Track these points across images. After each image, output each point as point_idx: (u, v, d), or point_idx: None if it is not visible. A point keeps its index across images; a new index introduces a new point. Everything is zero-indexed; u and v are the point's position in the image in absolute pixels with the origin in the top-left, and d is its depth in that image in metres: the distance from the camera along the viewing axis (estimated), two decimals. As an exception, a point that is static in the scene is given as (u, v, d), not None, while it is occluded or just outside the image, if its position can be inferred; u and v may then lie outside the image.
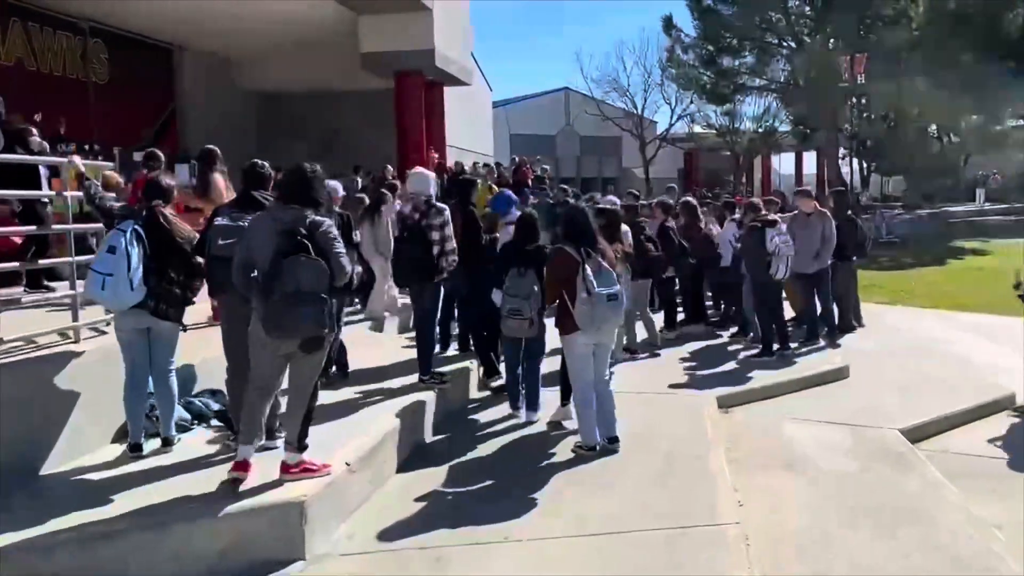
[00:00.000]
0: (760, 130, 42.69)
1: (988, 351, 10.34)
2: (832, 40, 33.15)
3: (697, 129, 47.93)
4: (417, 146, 18.08)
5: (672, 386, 7.90)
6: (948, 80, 33.22)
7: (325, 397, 5.54)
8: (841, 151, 40.19)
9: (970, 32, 31.98)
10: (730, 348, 9.71)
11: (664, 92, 45.73)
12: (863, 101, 39.95)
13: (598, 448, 5.89)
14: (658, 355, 9.19)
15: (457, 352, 7.93)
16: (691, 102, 43.37)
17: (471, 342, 7.68)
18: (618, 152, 48.82)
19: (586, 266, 5.71)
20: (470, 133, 26.75)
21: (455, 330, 8.12)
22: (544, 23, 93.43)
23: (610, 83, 46.11)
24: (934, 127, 41.24)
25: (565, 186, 16.76)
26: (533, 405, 6.57)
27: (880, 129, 42.32)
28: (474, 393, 7.39)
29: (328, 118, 20.58)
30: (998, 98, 35.21)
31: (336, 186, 7.04)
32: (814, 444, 6.51)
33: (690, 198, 12.34)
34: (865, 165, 47.09)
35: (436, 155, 18.29)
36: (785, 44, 34.81)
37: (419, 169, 6.62)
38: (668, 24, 36.01)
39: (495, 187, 17.22)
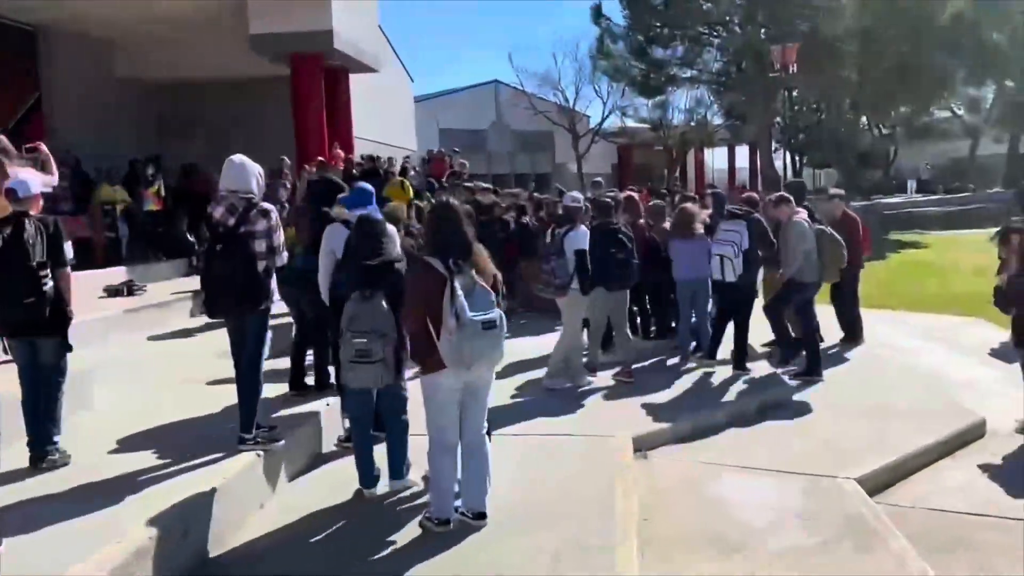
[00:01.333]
0: (692, 123, 41.64)
1: (949, 362, 9.18)
2: (763, 29, 32.25)
3: (630, 123, 46.90)
4: (318, 138, 16.32)
5: (590, 423, 6.43)
6: (879, 71, 32.78)
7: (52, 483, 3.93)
8: (774, 144, 39.51)
9: (902, 22, 31.49)
10: (683, 368, 8.29)
11: (596, 85, 44.49)
12: (795, 93, 39.40)
13: (452, 524, 4.42)
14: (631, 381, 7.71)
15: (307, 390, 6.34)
16: (623, 95, 42.15)
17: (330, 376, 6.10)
18: (551, 147, 47.51)
19: (455, 284, 4.22)
20: (388, 126, 25.02)
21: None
22: (473, 13, 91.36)
23: (541, 76, 44.62)
24: (865, 119, 40.93)
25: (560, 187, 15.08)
26: (397, 473, 5.01)
27: (812, 121, 41.91)
28: (329, 446, 5.78)
29: (224, 110, 18.60)
30: (929, 89, 34.93)
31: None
32: (757, 507, 5.09)
33: (633, 192, 10.91)
34: (797, 158, 46.66)
35: (340, 151, 16.54)
36: (716, 34, 33.88)
37: (238, 159, 4.98)
38: (597, 13, 34.68)
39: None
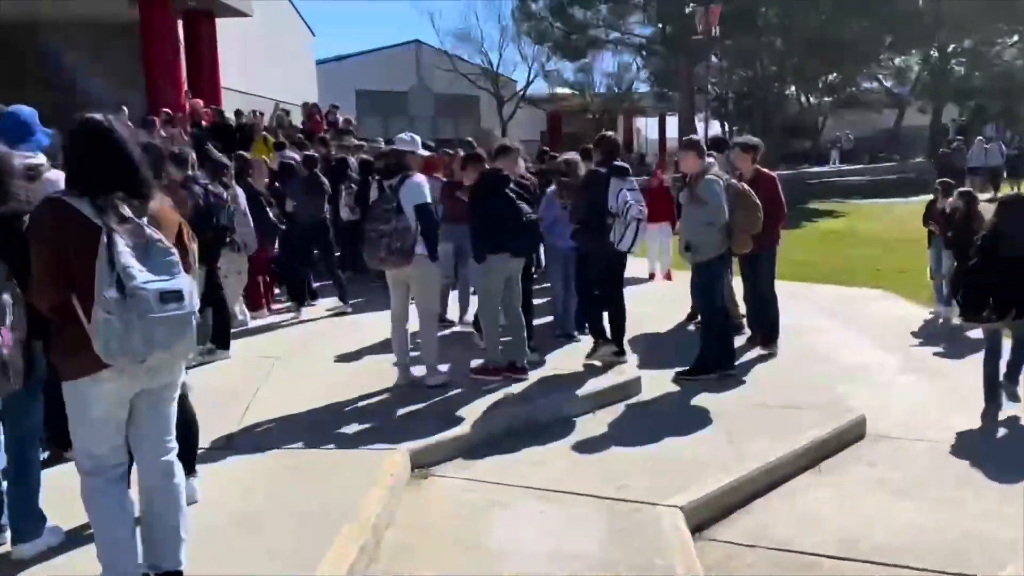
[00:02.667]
0: (617, 89, 40.31)
1: (846, 343, 8.03)
2: (687, -11, 31.10)
3: (558, 90, 45.42)
4: (172, 89, 14.54)
5: (385, 433, 5.04)
6: (803, 38, 31.89)
7: None
8: (702, 113, 38.54)
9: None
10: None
11: (520, 47, 42.81)
12: (720, 60, 38.35)
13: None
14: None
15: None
16: (548, 58, 40.58)
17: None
18: (476, 113, 45.80)
19: (115, 237, 2.85)
20: (281, 81, 23.10)
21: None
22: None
23: (461, 36, 42.74)
24: (793, 89, 40.18)
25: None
26: (28, 533, 3.54)
27: (740, 90, 40.99)
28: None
29: (63, 56, 16.53)
30: (854, 59, 34.22)
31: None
32: (546, 554, 3.76)
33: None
34: (726, 127, 45.81)
35: (199, 101, 14.77)
36: (639, -7, 32.63)
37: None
38: (518, -32, 33.09)
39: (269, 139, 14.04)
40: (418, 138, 6.16)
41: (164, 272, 2.91)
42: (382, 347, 6.75)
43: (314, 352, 7.19)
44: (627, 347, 6.79)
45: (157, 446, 3.18)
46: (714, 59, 37.49)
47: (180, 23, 15.94)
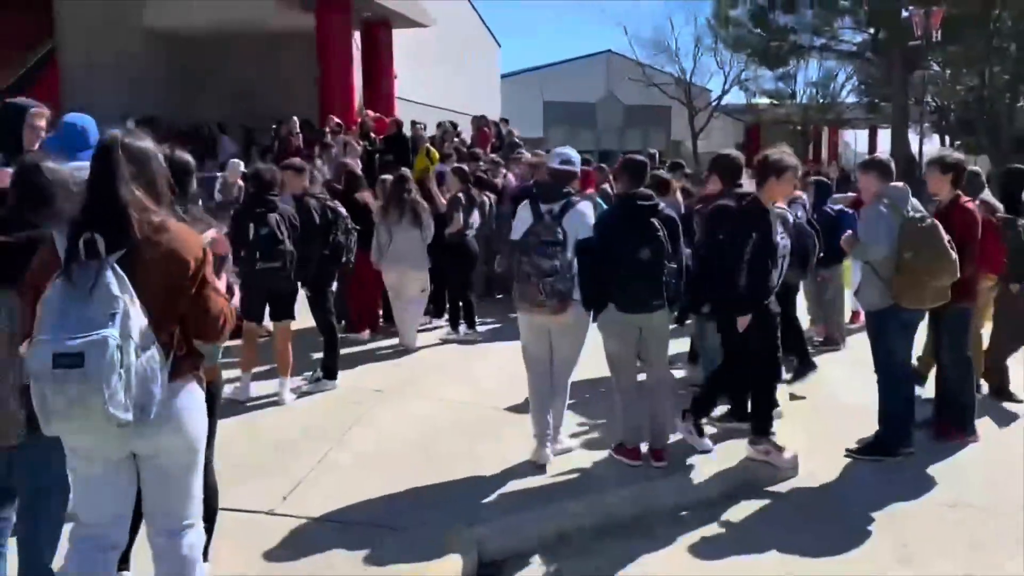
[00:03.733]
0: (821, 99, 37.55)
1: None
2: (903, -11, 28.33)
3: (757, 100, 43.10)
4: (344, 98, 14.58)
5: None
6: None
7: None
8: (918, 126, 35.11)
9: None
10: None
11: (717, 56, 40.97)
12: (943, 67, 34.73)
13: None
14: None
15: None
16: (744, 67, 38.55)
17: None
18: (666, 123, 44.34)
19: (57, 281, 2.47)
20: (461, 91, 23.06)
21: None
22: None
23: (656, 46, 41.48)
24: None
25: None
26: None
27: (963, 100, 36.99)
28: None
29: (246, 65, 17.10)
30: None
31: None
32: None
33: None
34: (946, 141, 41.60)
35: (370, 112, 14.73)
36: (848, -5, 30.12)
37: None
38: (715, -26, 31.56)
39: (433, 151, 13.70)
40: (574, 154, 4.92)
41: (83, 328, 2.37)
42: (507, 389, 5.98)
43: (426, 387, 6.50)
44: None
45: (156, 521, 2.74)
46: (935, 66, 34.11)
47: (357, 33, 16.04)
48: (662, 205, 4.81)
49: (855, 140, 51.44)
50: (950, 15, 26.80)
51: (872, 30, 30.95)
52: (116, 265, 2.44)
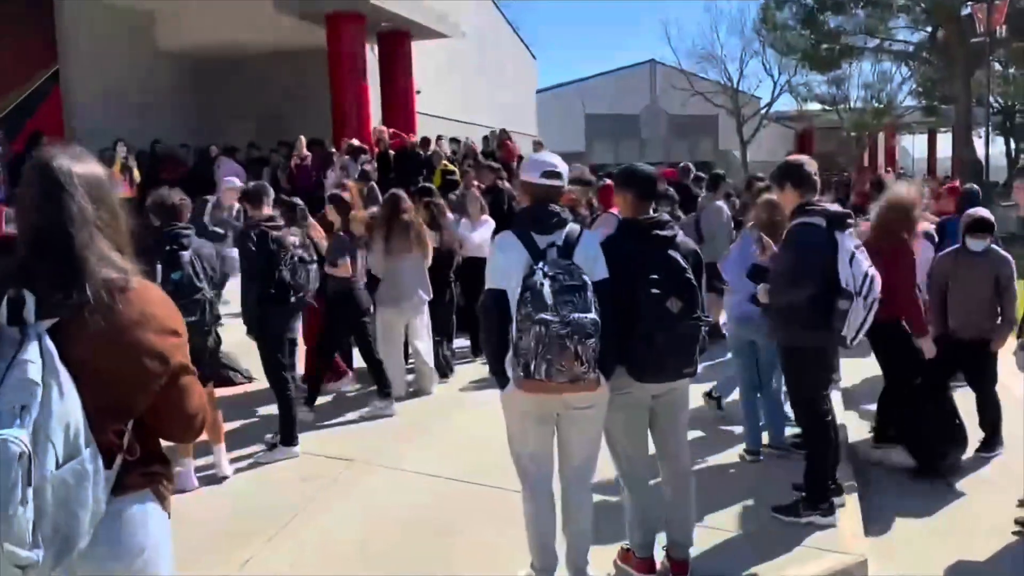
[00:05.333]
0: (875, 103, 35.70)
1: None
2: (963, -15, 26.65)
3: (809, 106, 41.34)
4: (358, 115, 13.64)
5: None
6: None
7: None
8: (981, 128, 33.13)
9: None
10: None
11: (765, 61, 39.40)
12: (1006, 66, 32.74)
13: None
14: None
15: None
16: (794, 72, 36.90)
17: None
18: (714, 132, 42.84)
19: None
20: (494, 106, 22.01)
21: None
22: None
23: (702, 54, 40.07)
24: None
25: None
26: None
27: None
28: None
29: (267, 86, 16.33)
30: None
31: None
32: None
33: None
34: (1011, 145, 39.41)
35: (385, 128, 13.78)
36: (903, -6, 28.43)
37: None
38: (761, -23, 30.15)
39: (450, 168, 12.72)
40: (561, 163, 3.50)
41: None
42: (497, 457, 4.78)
43: (405, 455, 5.38)
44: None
45: None
46: (997, 65, 32.13)
47: (375, 47, 15.15)
48: (680, 235, 3.61)
49: (913, 145, 49.23)
50: (1015, 9, 25.04)
51: (930, 28, 29.19)
52: (47, 336, 1.74)
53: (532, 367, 3.11)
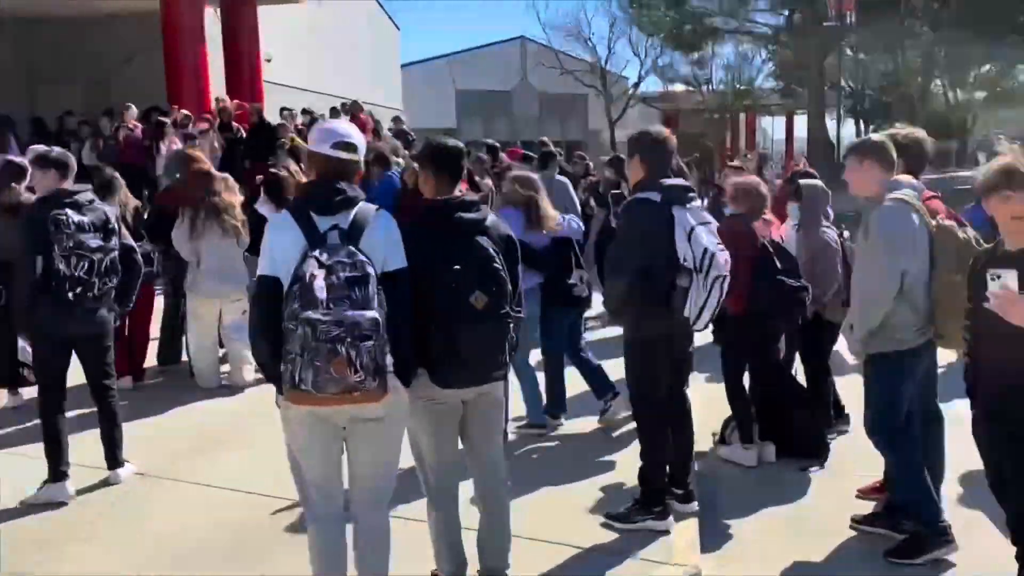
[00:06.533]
0: (737, 85, 36.64)
1: None
2: (817, -30, 27.53)
3: (675, 87, 42.11)
4: (196, 84, 12.60)
5: None
6: (955, 22, 27.66)
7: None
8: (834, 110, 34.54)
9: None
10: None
11: (632, 41, 39.73)
12: (856, 50, 34.21)
13: None
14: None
15: None
16: (660, 53, 37.40)
17: None
18: (583, 112, 43.08)
19: None
20: (354, 78, 21.09)
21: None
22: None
23: (568, 30, 40.01)
24: (938, 81, 35.53)
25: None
26: None
27: (876, 82, 36.65)
28: None
29: (107, 50, 14.95)
30: (1016, 46, 29.58)
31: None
32: None
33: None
34: (861, 126, 41.30)
35: (227, 99, 12.81)
36: (762, -23, 29.20)
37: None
38: (626, -47, 30.27)
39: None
40: (357, 134, 2.98)
41: None
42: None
43: (203, 464, 4.74)
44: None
45: None
46: (848, 51, 33.53)
47: (217, 11, 14.07)
48: (491, 218, 3.14)
49: (772, 127, 51.01)
50: (865, -2, 26.12)
51: (787, 12, 30.12)
52: None
53: (297, 376, 2.59)
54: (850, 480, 4.53)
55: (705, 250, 3.65)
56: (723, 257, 3.71)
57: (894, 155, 3.86)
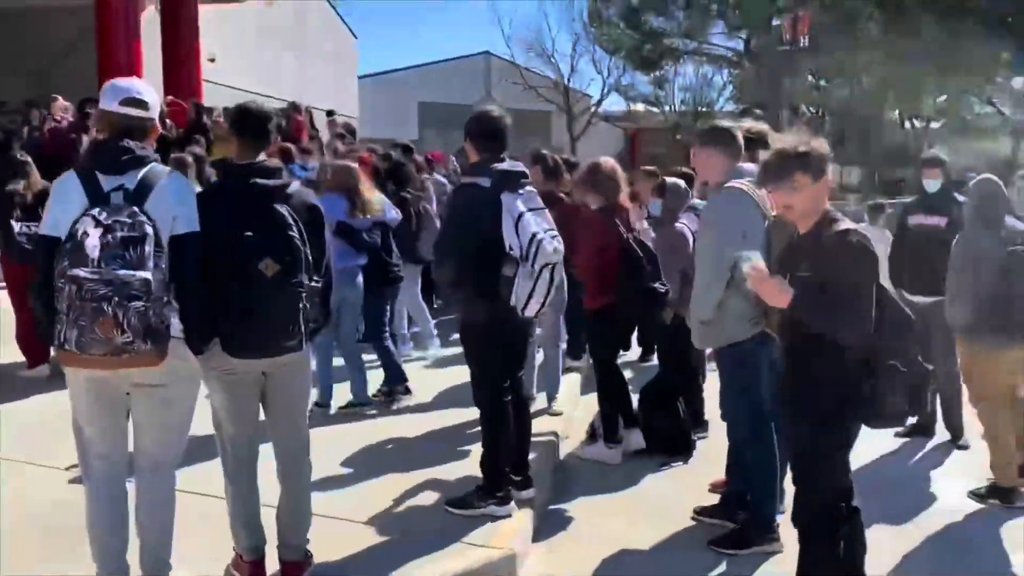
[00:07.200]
0: (697, 106, 37.03)
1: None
2: (774, -6, 27.93)
3: (639, 106, 42.50)
4: (128, 76, 12.41)
5: None
6: (910, 50, 28.19)
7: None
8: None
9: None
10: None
11: (595, 59, 40.06)
12: (817, 76, 34.77)
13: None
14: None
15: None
16: (623, 71, 37.72)
17: None
18: (546, 128, 43.25)
19: None
20: (301, 82, 21.01)
21: None
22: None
23: (533, 47, 40.30)
24: (896, 110, 36.16)
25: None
26: None
27: (835, 108, 37.18)
28: None
29: (48, 40, 14.78)
30: (969, 74, 30.20)
31: None
32: None
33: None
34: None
35: (169, 97, 12.68)
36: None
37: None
38: (587, -29, 30.57)
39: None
40: (148, 91, 2.95)
41: None
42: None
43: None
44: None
45: None
46: (810, 76, 34.09)
47: (152, 6, 13.98)
48: (295, 185, 3.11)
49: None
50: (818, 22, 26.53)
51: (744, 36, 30.54)
52: None
53: (63, 335, 2.54)
54: (708, 476, 4.54)
55: (532, 237, 3.64)
56: (551, 245, 3.70)
57: (741, 143, 3.90)
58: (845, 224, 2.89)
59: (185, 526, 3.07)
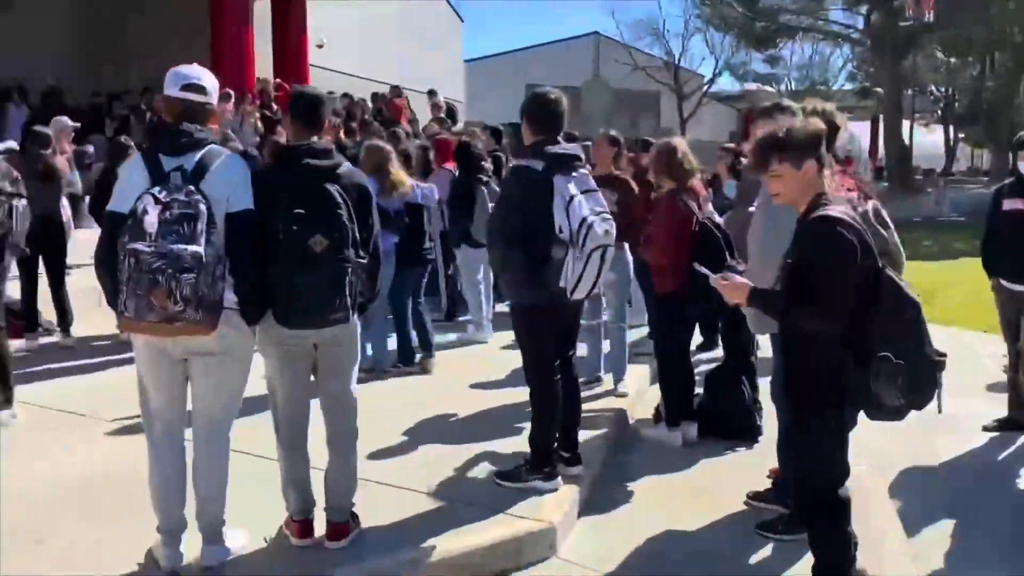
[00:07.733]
0: (809, 84, 35.74)
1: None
2: (895, -33, 26.59)
3: (751, 86, 41.33)
4: (239, 64, 13.05)
5: None
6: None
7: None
8: (925, 116, 33.32)
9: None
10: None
11: (707, 38, 39.23)
12: (947, 54, 32.90)
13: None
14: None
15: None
16: (735, 50, 36.81)
17: None
18: (656, 109, 42.60)
19: None
20: (408, 68, 21.43)
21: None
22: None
23: (640, 24, 39.72)
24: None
25: None
26: None
27: (965, 87, 35.10)
28: None
29: (147, 28, 15.46)
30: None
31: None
32: None
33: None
34: (950, 132, 39.65)
35: (271, 79, 13.25)
36: (838, -26, 28.37)
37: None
38: (699, -51, 29.89)
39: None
40: (208, 77, 3.17)
41: None
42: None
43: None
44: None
45: None
46: (939, 53, 32.33)
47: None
48: (345, 166, 3.25)
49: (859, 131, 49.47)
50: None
51: (865, 11, 29.22)
52: None
53: (123, 304, 2.78)
54: (770, 462, 4.47)
55: (583, 220, 3.67)
56: (602, 228, 3.72)
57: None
58: (828, 210, 2.83)
59: (239, 485, 3.29)
